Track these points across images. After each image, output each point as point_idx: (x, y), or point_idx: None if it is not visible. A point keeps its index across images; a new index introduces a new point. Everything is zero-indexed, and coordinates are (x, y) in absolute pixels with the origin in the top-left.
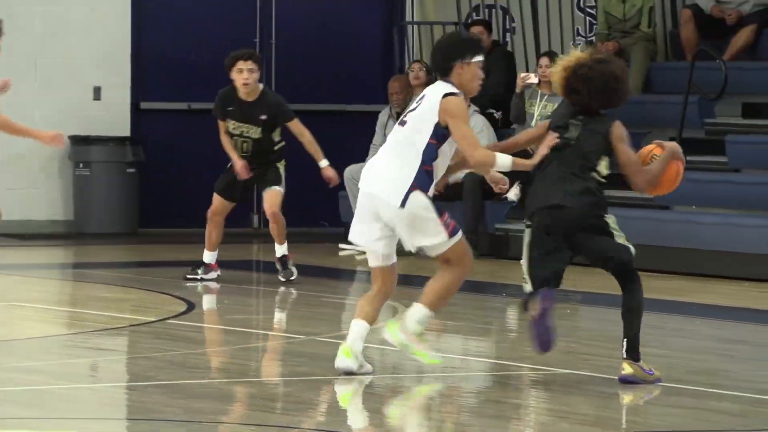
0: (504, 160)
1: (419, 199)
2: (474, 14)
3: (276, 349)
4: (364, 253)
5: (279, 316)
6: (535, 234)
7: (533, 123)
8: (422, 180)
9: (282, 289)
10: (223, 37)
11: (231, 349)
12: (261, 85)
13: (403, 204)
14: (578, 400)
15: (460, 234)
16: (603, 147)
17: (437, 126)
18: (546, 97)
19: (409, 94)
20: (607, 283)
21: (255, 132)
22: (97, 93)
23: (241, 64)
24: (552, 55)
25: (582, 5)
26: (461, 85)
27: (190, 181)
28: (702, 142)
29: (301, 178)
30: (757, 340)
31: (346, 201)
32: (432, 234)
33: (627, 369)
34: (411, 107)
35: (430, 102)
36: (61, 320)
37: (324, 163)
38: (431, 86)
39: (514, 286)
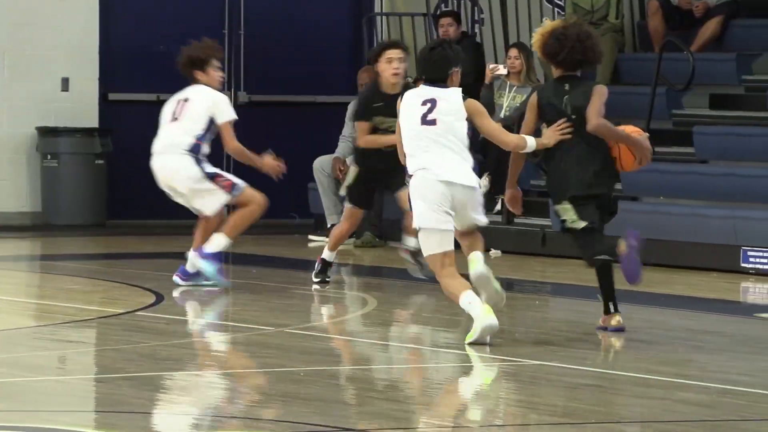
0: (531, 142)
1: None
2: (443, 5)
3: (246, 341)
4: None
5: (248, 308)
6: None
7: (502, 114)
8: (473, 165)
9: (251, 281)
10: (191, 28)
11: (200, 341)
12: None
13: (479, 185)
14: (547, 391)
15: None
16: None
17: (468, 121)
18: (515, 88)
19: None
20: (576, 275)
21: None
22: (65, 84)
23: (390, 53)
24: (521, 47)
25: None
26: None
27: None
28: (670, 133)
29: None
30: (726, 330)
31: (315, 193)
32: (481, 212)
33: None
34: (424, 109)
35: (453, 102)
36: (28, 312)
37: None
38: (432, 89)
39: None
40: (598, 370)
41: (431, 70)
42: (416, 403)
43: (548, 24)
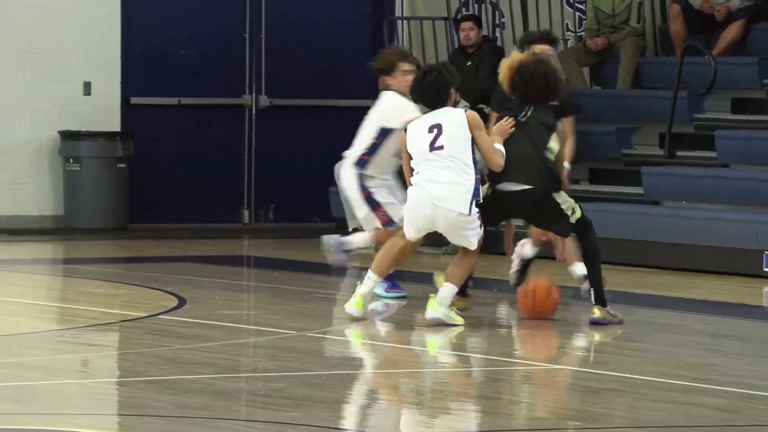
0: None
1: (475, 208)
2: (463, 9)
3: (267, 345)
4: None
5: (269, 312)
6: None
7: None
8: (477, 188)
9: (272, 284)
10: (212, 32)
11: (221, 345)
12: None
13: (470, 212)
14: (568, 395)
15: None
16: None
17: (472, 141)
18: None
19: None
20: None
21: None
22: (87, 88)
23: (538, 48)
24: None
25: (571, 0)
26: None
27: (180, 176)
28: (691, 137)
29: (293, 174)
30: (746, 334)
31: (337, 197)
32: (473, 233)
33: (596, 313)
34: (431, 136)
35: (458, 123)
36: (50, 316)
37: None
38: (438, 113)
39: (504, 282)
40: (618, 374)
41: (434, 99)
42: (436, 407)
43: (514, 57)
